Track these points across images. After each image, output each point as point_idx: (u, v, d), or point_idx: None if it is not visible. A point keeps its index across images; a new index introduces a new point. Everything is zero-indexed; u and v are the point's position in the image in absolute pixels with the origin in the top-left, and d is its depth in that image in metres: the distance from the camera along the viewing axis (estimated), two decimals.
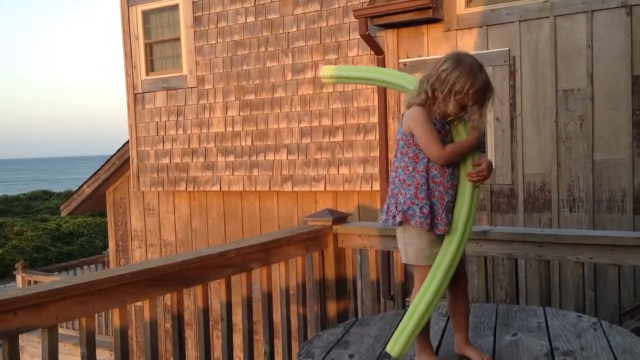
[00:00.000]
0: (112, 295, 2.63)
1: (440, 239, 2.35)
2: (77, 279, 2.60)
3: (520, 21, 6.21)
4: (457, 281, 2.43)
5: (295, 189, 8.31)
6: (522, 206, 6.28)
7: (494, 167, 6.37)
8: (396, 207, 2.34)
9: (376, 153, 7.51)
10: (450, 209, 2.33)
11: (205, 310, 3.09)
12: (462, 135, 2.36)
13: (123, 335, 2.69)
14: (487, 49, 6.39)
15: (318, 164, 8.08)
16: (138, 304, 2.83)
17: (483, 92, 2.30)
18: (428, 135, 2.30)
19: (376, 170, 7.52)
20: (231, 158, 8.84)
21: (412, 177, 2.34)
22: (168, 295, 2.92)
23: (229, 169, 8.88)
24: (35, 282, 10.57)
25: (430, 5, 6.39)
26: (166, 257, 3.29)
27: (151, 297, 2.78)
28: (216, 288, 3.29)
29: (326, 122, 7.99)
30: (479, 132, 2.35)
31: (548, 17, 6.07)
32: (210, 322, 3.49)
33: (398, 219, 2.33)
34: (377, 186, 7.50)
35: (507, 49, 6.29)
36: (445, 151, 2.30)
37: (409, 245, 2.37)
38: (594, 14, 5.85)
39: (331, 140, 7.97)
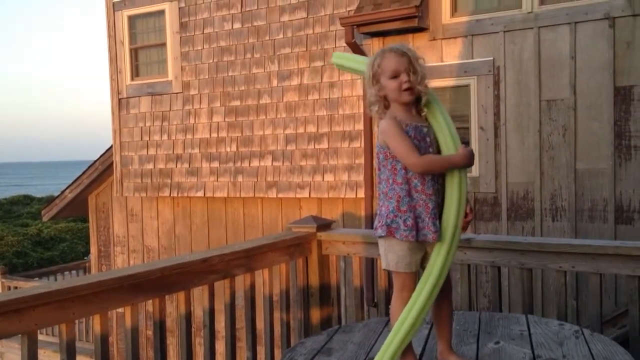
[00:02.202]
0: (93, 301, 2.60)
1: (420, 245, 2.35)
2: (58, 284, 2.57)
3: (504, 31, 6.27)
4: (441, 289, 2.43)
5: (280, 195, 8.29)
6: (505, 215, 6.32)
7: (478, 175, 6.40)
8: (379, 220, 2.35)
9: (361, 160, 7.52)
10: (437, 214, 2.33)
11: (188, 317, 3.06)
12: (439, 121, 2.38)
13: (104, 341, 2.66)
14: (472, 58, 6.43)
15: (303, 171, 8.08)
16: (119, 310, 2.79)
17: (395, 56, 2.36)
18: (401, 145, 2.31)
19: (361, 178, 7.53)
20: (216, 164, 8.80)
21: (392, 189, 2.34)
22: (150, 302, 2.89)
23: (213, 175, 8.84)
24: (15, 287, 10.43)
25: (416, 14, 6.43)
26: (148, 263, 3.27)
27: (132, 304, 2.75)
28: (199, 294, 3.27)
29: (311, 129, 8.00)
30: (466, 152, 2.32)
31: (532, 28, 6.13)
32: (193, 329, 3.46)
33: (381, 232, 2.34)
34: (361, 193, 7.51)
35: (492, 58, 6.34)
36: (423, 159, 2.30)
37: (389, 252, 2.37)
38: (577, 26, 5.92)
39: (316, 147, 7.97)
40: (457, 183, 2.33)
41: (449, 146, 2.34)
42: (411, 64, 2.35)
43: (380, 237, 2.36)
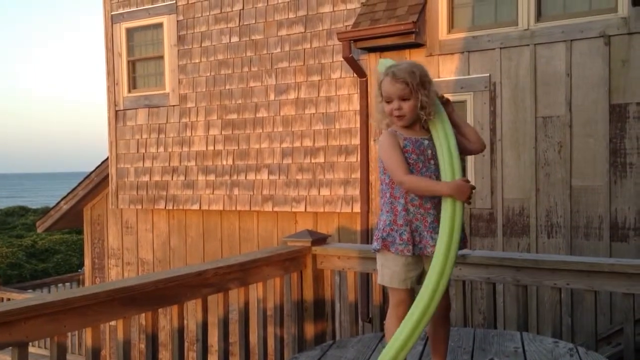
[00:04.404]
0: (86, 314, 2.58)
1: (418, 262, 2.34)
2: (50, 296, 2.55)
3: (501, 48, 6.31)
4: (439, 307, 2.41)
5: (276, 209, 8.28)
6: (500, 231, 6.32)
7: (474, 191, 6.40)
8: (376, 234, 2.35)
9: (357, 175, 7.52)
10: (435, 228, 2.30)
11: (181, 331, 3.04)
12: (442, 148, 2.32)
13: (95, 355, 2.63)
14: (469, 74, 6.46)
15: (299, 185, 8.07)
16: (112, 323, 2.76)
17: (390, 81, 2.32)
18: (391, 160, 2.30)
19: (357, 192, 7.52)
20: (212, 177, 8.79)
21: (389, 203, 2.34)
22: (143, 315, 2.87)
23: (209, 188, 8.83)
24: (9, 299, 10.36)
25: (413, 30, 6.46)
26: (142, 275, 3.25)
27: (125, 317, 2.73)
28: (193, 308, 3.25)
29: (308, 143, 8.00)
30: (455, 186, 2.25)
31: (528, 45, 6.17)
32: (187, 343, 3.43)
33: (376, 245, 2.33)
34: (357, 208, 7.50)
35: (488, 75, 6.37)
36: (409, 179, 2.27)
37: (384, 267, 2.37)
38: (573, 43, 5.96)
39: (312, 161, 7.97)
40: (452, 201, 2.28)
41: (446, 174, 2.30)
42: (410, 90, 2.29)
43: (376, 250, 2.35)
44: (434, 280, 2.22)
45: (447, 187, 2.26)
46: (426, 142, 2.35)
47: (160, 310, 2.94)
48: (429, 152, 2.34)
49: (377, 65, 2.72)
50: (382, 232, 2.32)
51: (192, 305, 3.18)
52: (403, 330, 2.25)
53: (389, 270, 2.35)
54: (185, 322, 3.11)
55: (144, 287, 2.77)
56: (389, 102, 2.32)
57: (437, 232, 2.29)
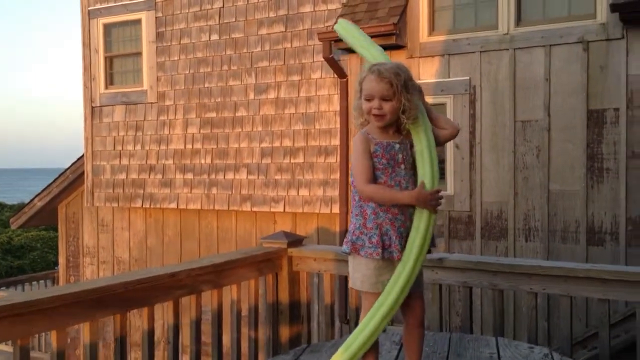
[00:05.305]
0: (51, 316, 2.51)
1: (389, 266, 2.30)
2: (17, 297, 2.47)
3: (481, 52, 6.31)
4: (414, 312, 2.38)
5: (255, 209, 8.21)
6: (479, 234, 6.32)
7: (452, 194, 6.40)
8: (346, 237, 2.32)
9: (336, 176, 7.49)
10: (403, 233, 2.28)
11: (151, 334, 2.97)
12: (421, 138, 2.29)
13: (60, 357, 2.56)
14: (449, 77, 6.46)
15: (278, 185, 8.02)
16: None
17: (374, 79, 2.26)
18: (357, 167, 2.28)
19: (336, 193, 7.49)
20: (190, 176, 8.70)
21: (359, 206, 2.31)
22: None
23: (187, 187, 8.73)
24: None
25: (394, 32, 6.44)
26: (111, 277, 3.18)
27: (93, 319, 2.65)
28: (167, 308, 3.18)
29: (287, 143, 7.95)
30: (416, 195, 2.23)
31: (508, 49, 6.18)
32: (162, 345, 3.36)
33: (346, 248, 2.30)
34: (336, 209, 7.46)
35: (468, 78, 6.37)
36: (369, 188, 2.25)
37: (356, 271, 2.34)
38: (552, 49, 5.98)
39: (292, 161, 7.92)
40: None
41: (429, 182, 2.28)
42: (394, 91, 2.24)
43: (347, 253, 2.33)
44: (406, 276, 2.24)
45: (409, 196, 2.25)
46: (397, 146, 2.32)
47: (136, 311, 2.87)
48: (400, 156, 2.31)
49: (335, 25, 2.67)
50: (352, 235, 2.29)
51: (167, 306, 3.11)
52: (355, 339, 2.23)
53: (360, 274, 2.31)
54: (163, 322, 3.04)
55: (113, 289, 2.70)
56: (369, 100, 2.27)
57: (404, 238, 2.27)
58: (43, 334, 9.84)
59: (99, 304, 2.66)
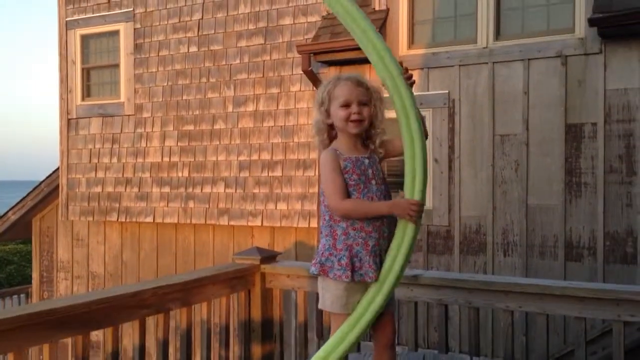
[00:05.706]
0: (9, 338, 2.40)
1: (360, 287, 2.22)
2: None
3: (460, 65, 6.29)
4: (385, 332, 2.31)
5: (232, 223, 8.10)
6: (457, 248, 6.27)
7: (431, 208, 6.35)
8: (315, 257, 2.24)
9: (315, 189, 7.41)
10: (377, 252, 2.21)
11: (115, 355, 2.85)
12: (408, 150, 2.20)
13: None
14: (428, 90, 6.43)
15: (256, 199, 7.92)
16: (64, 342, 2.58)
17: (350, 85, 2.23)
18: (329, 184, 2.20)
19: (314, 207, 7.40)
20: (167, 189, 8.57)
21: (329, 226, 2.23)
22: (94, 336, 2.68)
23: (163, 200, 8.60)
24: None
25: None
26: (71, 296, 3.06)
27: (52, 341, 2.53)
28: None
29: (265, 156, 7.86)
30: (399, 204, 2.17)
31: (487, 63, 6.17)
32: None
33: (314, 270, 2.22)
34: (314, 223, 7.37)
35: (447, 91, 6.35)
36: (343, 205, 2.17)
37: (326, 292, 2.26)
38: (530, 62, 5.98)
39: (270, 174, 7.83)
40: (404, 222, 2.18)
41: (406, 192, 2.21)
42: (369, 97, 2.23)
43: (315, 275, 2.24)
44: (384, 295, 2.19)
45: (386, 206, 2.20)
46: (367, 161, 2.26)
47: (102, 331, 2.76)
48: (370, 172, 2.24)
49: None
50: (320, 256, 2.21)
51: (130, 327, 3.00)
52: (338, 347, 2.15)
53: (330, 295, 2.24)
54: (129, 343, 2.92)
55: (74, 309, 2.58)
56: (345, 106, 2.22)
57: (378, 256, 2.19)
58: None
59: (58, 325, 2.55)
